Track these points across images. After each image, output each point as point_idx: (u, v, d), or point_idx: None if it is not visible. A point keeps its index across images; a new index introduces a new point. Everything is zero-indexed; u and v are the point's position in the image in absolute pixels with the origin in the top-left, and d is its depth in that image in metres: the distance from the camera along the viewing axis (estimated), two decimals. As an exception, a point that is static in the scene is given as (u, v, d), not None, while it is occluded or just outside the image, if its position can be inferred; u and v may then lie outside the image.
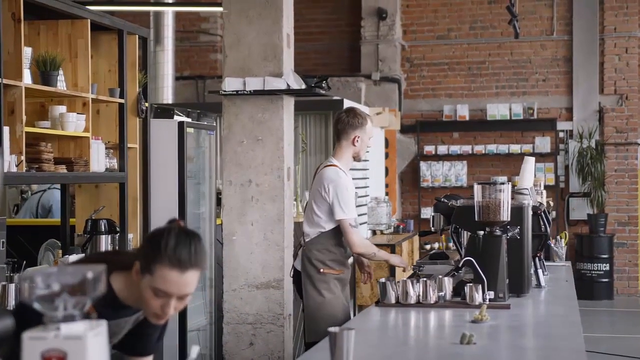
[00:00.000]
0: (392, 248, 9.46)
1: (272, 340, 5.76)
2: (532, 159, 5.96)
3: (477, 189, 4.67)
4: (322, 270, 5.21)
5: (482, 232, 4.62)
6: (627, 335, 10.17)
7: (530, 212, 4.99)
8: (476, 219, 4.64)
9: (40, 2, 5.07)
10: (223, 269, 5.81)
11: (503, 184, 4.68)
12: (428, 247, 12.23)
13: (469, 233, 4.85)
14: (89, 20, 5.42)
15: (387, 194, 12.31)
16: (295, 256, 5.45)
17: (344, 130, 5.27)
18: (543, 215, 5.35)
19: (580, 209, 12.93)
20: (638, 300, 12.75)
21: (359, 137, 5.26)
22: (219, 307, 6.65)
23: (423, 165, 13.32)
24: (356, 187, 5.70)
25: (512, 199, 5.23)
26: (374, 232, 10.67)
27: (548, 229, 5.35)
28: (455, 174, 13.24)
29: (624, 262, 12.95)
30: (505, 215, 4.62)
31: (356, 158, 5.35)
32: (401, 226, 11.09)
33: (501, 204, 4.60)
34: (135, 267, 2.66)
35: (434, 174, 13.30)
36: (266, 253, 5.73)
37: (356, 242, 5.19)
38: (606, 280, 12.59)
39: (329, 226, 5.21)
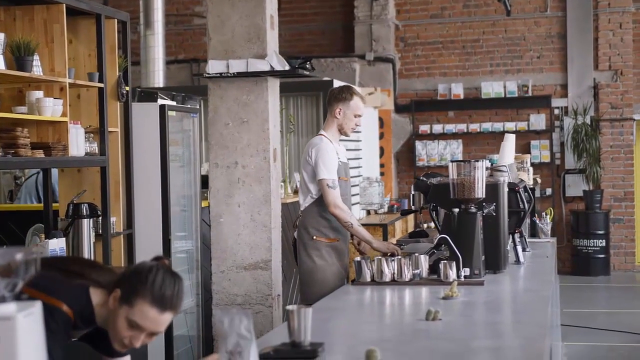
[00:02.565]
0: (384, 227, 9.49)
1: (261, 321, 5.78)
2: (513, 136, 5.96)
3: (451, 166, 4.69)
4: (314, 237, 5.32)
5: (457, 210, 4.64)
6: (624, 311, 10.18)
7: (506, 189, 4.98)
8: (451, 197, 4.67)
9: (15, -13, 5.09)
10: (211, 251, 5.83)
11: (478, 161, 4.69)
12: (425, 226, 12.22)
13: (445, 210, 4.87)
14: (64, 5, 5.41)
15: (382, 174, 12.33)
16: (295, 226, 5.54)
17: (329, 101, 5.47)
18: (521, 192, 5.35)
19: (576, 186, 12.92)
20: (634, 276, 12.77)
21: (341, 109, 5.39)
22: (207, 288, 6.68)
23: (418, 144, 13.31)
24: (349, 168, 5.73)
25: (491, 176, 5.25)
26: (367, 212, 10.69)
27: (526, 206, 5.35)
28: (450, 152, 13.22)
29: (620, 237, 12.95)
30: (480, 192, 4.64)
31: (341, 131, 5.45)
32: (395, 206, 11.10)
33: (476, 181, 4.62)
34: (115, 294, 2.67)
35: (429, 153, 13.28)
36: (253, 234, 5.75)
37: (330, 202, 5.23)
38: (602, 256, 12.60)
39: (315, 191, 5.31)
